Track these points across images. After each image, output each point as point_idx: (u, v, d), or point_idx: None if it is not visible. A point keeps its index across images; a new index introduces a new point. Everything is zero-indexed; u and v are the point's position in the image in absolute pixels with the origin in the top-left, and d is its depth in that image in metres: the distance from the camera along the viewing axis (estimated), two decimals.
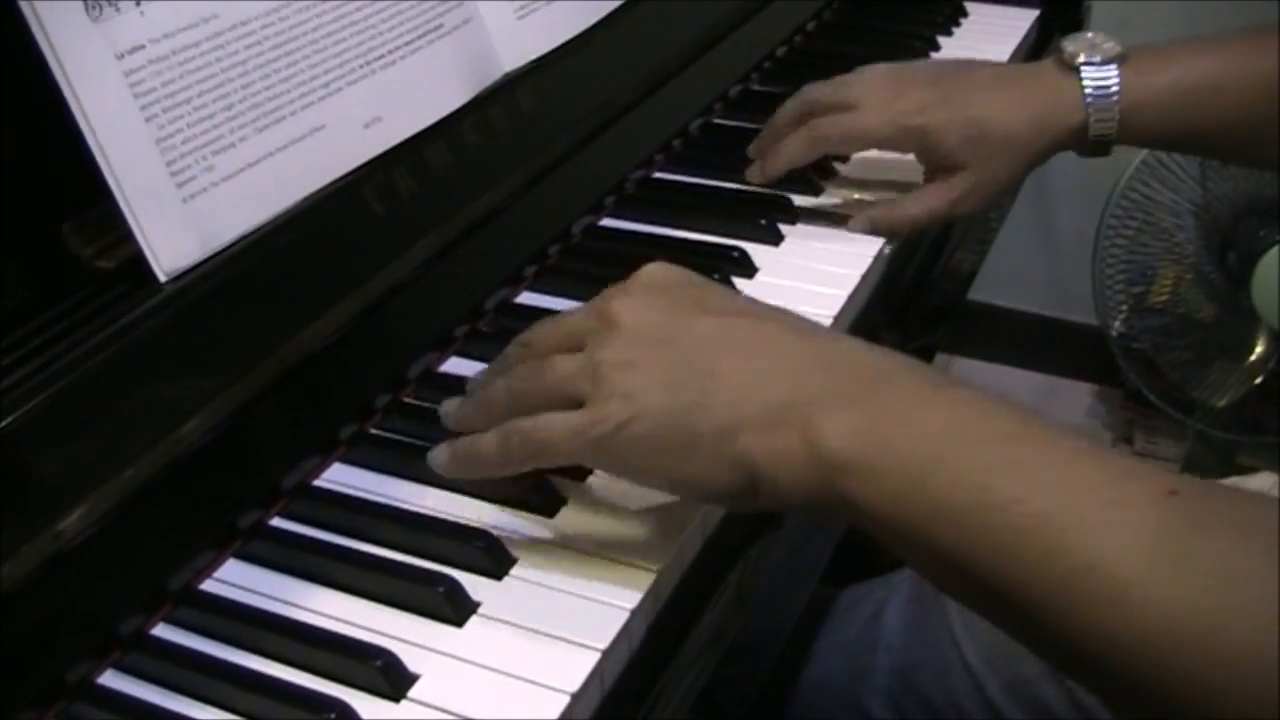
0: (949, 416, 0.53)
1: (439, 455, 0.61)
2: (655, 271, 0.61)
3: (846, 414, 0.53)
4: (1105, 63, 0.83)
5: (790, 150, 0.87)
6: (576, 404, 0.57)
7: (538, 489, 0.63)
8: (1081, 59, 0.83)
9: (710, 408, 0.55)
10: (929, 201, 0.85)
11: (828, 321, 0.77)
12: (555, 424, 0.57)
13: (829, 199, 0.91)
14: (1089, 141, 0.84)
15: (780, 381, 0.55)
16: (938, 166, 0.85)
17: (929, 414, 0.53)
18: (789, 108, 0.89)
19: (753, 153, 0.91)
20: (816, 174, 0.92)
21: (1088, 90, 0.83)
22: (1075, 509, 0.48)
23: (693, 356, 0.56)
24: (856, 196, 0.90)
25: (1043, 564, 0.48)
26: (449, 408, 0.63)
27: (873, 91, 0.85)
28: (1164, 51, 0.85)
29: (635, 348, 0.57)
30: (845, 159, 0.95)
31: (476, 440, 0.60)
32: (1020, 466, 0.50)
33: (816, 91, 0.88)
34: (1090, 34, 0.85)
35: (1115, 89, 0.83)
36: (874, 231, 0.85)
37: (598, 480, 0.64)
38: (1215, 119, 0.84)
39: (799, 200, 0.90)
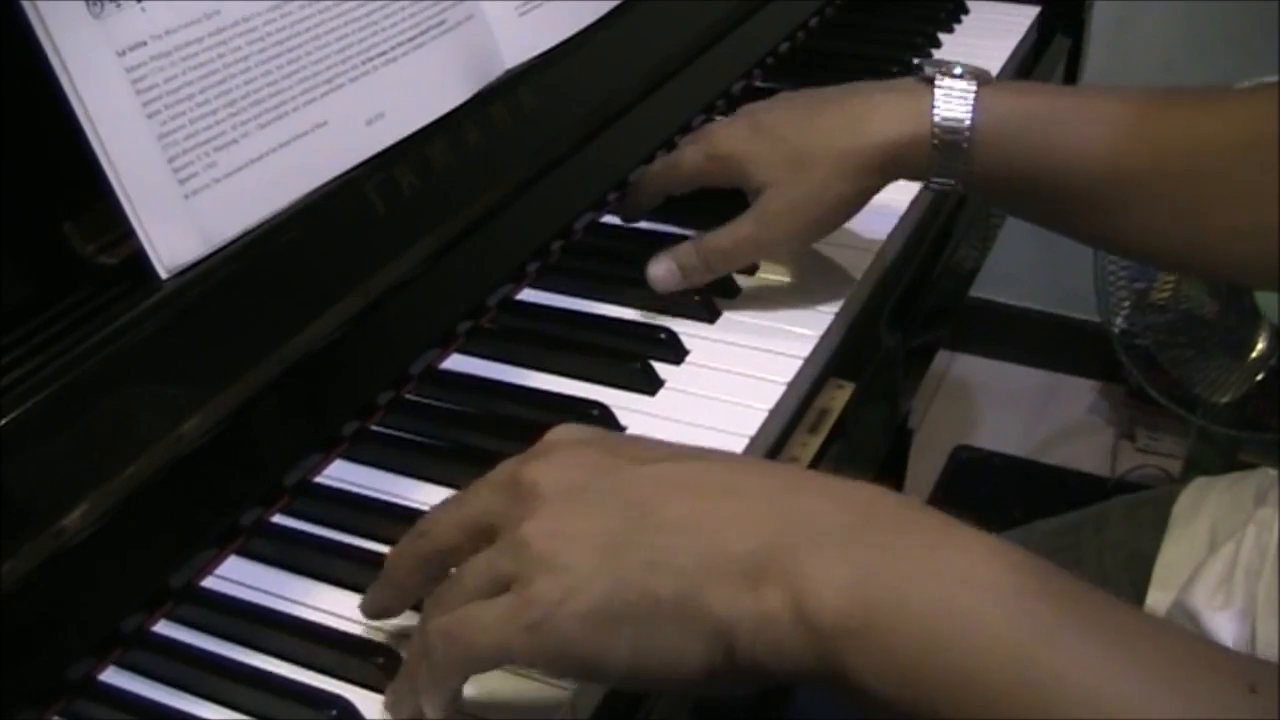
0: (970, 564, 0.43)
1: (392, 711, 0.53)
2: (566, 431, 0.52)
3: (841, 559, 0.44)
4: (965, 78, 0.74)
5: (635, 201, 0.86)
6: (497, 590, 0.48)
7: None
8: (940, 71, 0.74)
9: (666, 566, 0.45)
10: (736, 230, 0.76)
11: (829, 317, 0.77)
12: (476, 618, 0.47)
13: None
14: (931, 165, 0.74)
15: (752, 520, 0.46)
16: (751, 192, 0.77)
17: (945, 560, 0.44)
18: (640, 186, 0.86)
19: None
20: None
21: (937, 105, 0.73)
22: (1146, 704, 0.39)
23: (635, 509, 0.47)
24: None
25: None
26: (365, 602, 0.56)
27: (694, 135, 0.83)
28: (1026, 84, 0.78)
29: (561, 515, 0.47)
30: None
31: (405, 667, 0.52)
32: (1068, 639, 0.41)
33: (686, 141, 0.84)
34: (954, 61, 0.75)
35: (967, 106, 0.73)
36: (683, 271, 0.77)
37: None
38: (1068, 162, 0.72)
39: None
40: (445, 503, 0.53)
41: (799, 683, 0.45)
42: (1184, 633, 0.44)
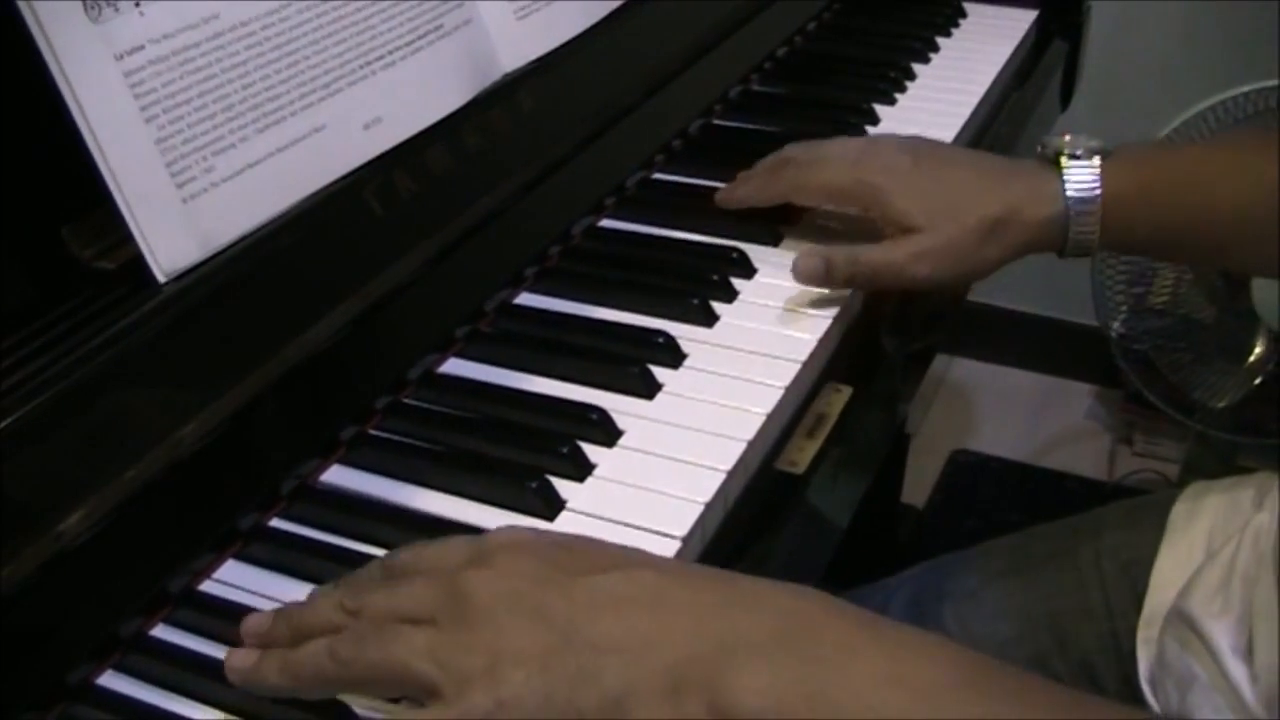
0: (886, 661, 0.46)
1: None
2: (508, 535, 0.53)
3: (762, 669, 0.45)
4: (1087, 157, 0.79)
5: (754, 186, 0.86)
6: (422, 695, 0.49)
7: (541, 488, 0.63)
8: (1064, 153, 0.79)
9: (593, 683, 0.47)
10: (889, 252, 0.79)
11: (827, 321, 0.77)
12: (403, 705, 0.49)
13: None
14: (1068, 242, 0.80)
15: (677, 636, 0.47)
16: (893, 228, 0.80)
17: (861, 659, 0.46)
18: (765, 161, 0.87)
19: (721, 191, 0.88)
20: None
21: (1069, 186, 0.79)
22: None
23: (567, 626, 0.48)
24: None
25: None
26: (234, 660, 0.54)
27: (845, 151, 0.84)
28: (1154, 147, 0.81)
29: (496, 630, 0.48)
30: None
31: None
32: None
33: (794, 149, 0.86)
34: (1070, 134, 0.81)
35: (1097, 185, 0.79)
36: (828, 270, 0.78)
37: (610, 463, 0.64)
38: (1206, 216, 0.79)
39: None
40: (375, 580, 0.54)
41: None
42: (1112, 708, 0.46)
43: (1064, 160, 0.79)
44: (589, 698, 0.46)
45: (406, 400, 0.71)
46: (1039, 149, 0.82)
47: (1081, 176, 0.79)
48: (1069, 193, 0.79)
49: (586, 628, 0.48)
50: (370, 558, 0.60)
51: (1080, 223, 0.79)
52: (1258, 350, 1.66)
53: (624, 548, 0.54)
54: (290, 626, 0.54)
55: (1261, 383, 1.67)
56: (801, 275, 0.79)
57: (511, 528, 0.54)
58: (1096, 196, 0.79)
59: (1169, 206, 0.80)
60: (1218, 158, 0.81)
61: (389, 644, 0.49)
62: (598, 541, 0.54)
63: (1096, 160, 0.79)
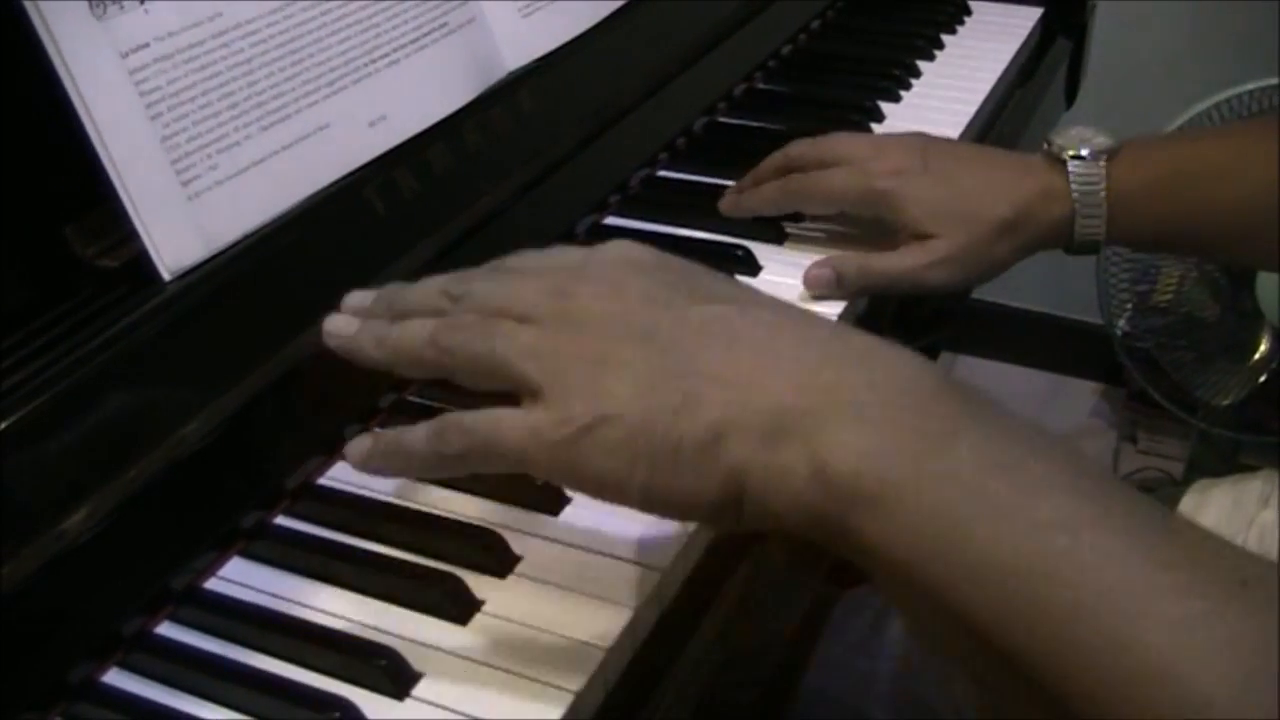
0: (988, 450, 0.44)
1: (357, 448, 0.54)
2: (625, 249, 0.53)
3: (865, 431, 0.45)
4: (1092, 156, 0.80)
5: (763, 196, 0.85)
6: (520, 393, 0.49)
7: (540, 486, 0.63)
8: (1070, 153, 0.80)
9: (695, 410, 0.47)
10: (904, 260, 0.79)
11: (833, 319, 0.77)
12: (505, 421, 0.49)
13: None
14: (1075, 239, 0.81)
15: (783, 382, 0.47)
16: (906, 233, 0.80)
17: (964, 443, 0.44)
18: (772, 160, 0.86)
19: (727, 197, 0.87)
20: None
21: (1074, 185, 0.79)
22: (1144, 592, 0.40)
23: (674, 352, 0.48)
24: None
25: (1101, 655, 0.40)
26: (333, 324, 0.55)
27: (853, 151, 0.83)
28: (1159, 139, 0.82)
29: (604, 341, 0.49)
30: None
31: (404, 434, 0.52)
32: (1077, 527, 0.42)
33: (799, 147, 0.85)
34: (1078, 127, 0.82)
35: (1102, 183, 0.79)
36: (839, 280, 0.78)
37: None
38: (1213, 209, 0.80)
39: None
40: (485, 272, 0.54)
41: (806, 534, 0.47)
42: (1191, 526, 0.45)
43: (1070, 159, 0.80)
44: (688, 424, 0.46)
45: (411, 398, 0.71)
46: (1045, 145, 0.82)
47: (1088, 175, 0.79)
48: (1075, 192, 0.79)
49: (695, 355, 0.48)
50: (375, 555, 0.60)
51: (1087, 221, 0.80)
52: (1261, 348, 1.67)
53: (739, 283, 0.53)
54: (390, 304, 0.54)
55: (1265, 381, 1.67)
56: (812, 285, 0.79)
57: (628, 243, 0.53)
58: (1102, 196, 0.79)
59: (1174, 201, 0.80)
60: (1222, 150, 0.81)
61: (492, 337, 0.49)
62: (713, 271, 0.53)
63: (1103, 159, 0.79)
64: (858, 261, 0.79)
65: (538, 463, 0.49)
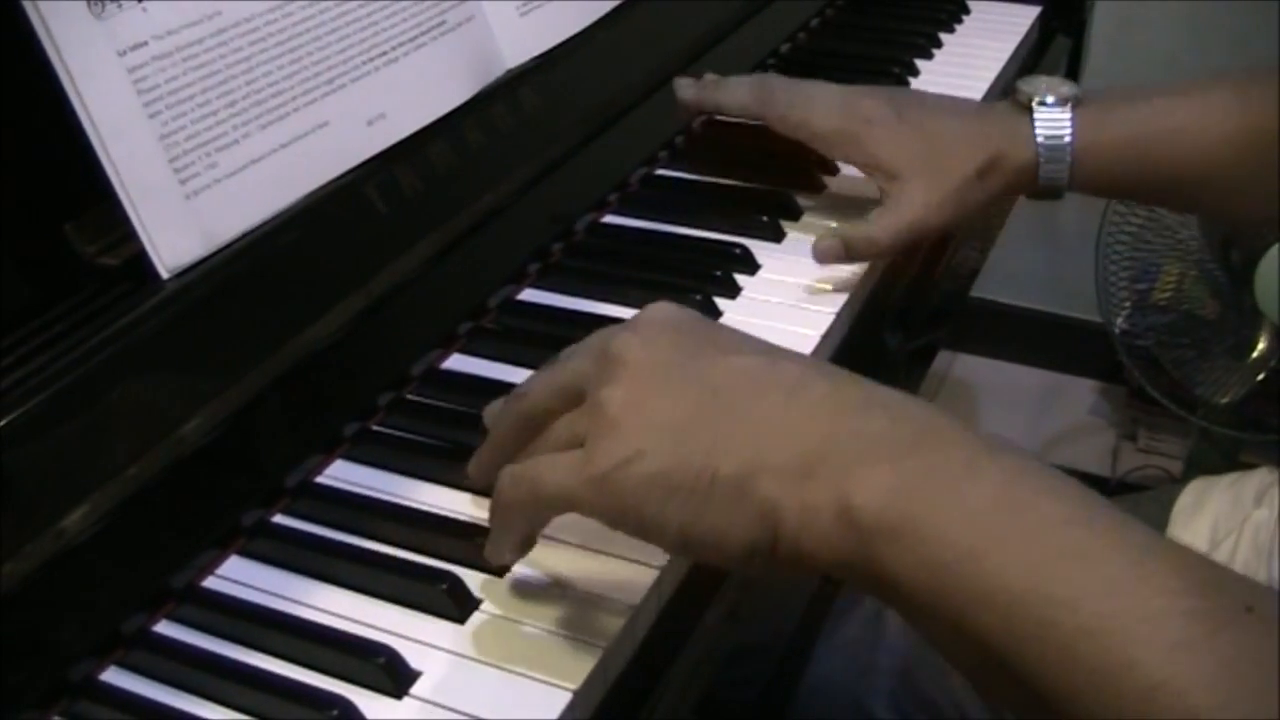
0: (1004, 487, 0.47)
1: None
2: (662, 309, 0.56)
3: (886, 471, 0.47)
4: (1058, 104, 0.81)
5: (734, 91, 0.86)
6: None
7: None
8: (1035, 100, 0.81)
9: (727, 450, 0.49)
10: (902, 214, 0.81)
11: (830, 317, 0.77)
12: (546, 463, 0.53)
13: (832, 197, 0.91)
14: (1039, 185, 0.82)
15: (811, 427, 0.49)
16: (880, 176, 0.82)
17: (981, 481, 0.47)
18: (747, 78, 0.88)
19: (686, 85, 0.89)
20: (816, 168, 0.92)
21: (1039, 132, 0.81)
22: (1148, 617, 0.42)
23: (708, 397, 0.51)
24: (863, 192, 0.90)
25: (1105, 676, 0.42)
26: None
27: (828, 97, 0.84)
28: (1123, 96, 0.83)
29: (641, 387, 0.51)
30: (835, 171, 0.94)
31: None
32: (1086, 557, 0.44)
33: (775, 79, 0.88)
34: (1045, 77, 0.83)
35: (1068, 132, 0.80)
36: (846, 248, 0.80)
37: None
38: (1174, 166, 0.81)
39: (801, 199, 0.90)
40: (543, 368, 0.58)
41: (838, 574, 0.49)
42: (1200, 558, 0.46)
43: (1036, 106, 0.81)
44: (720, 461, 0.49)
45: (409, 396, 0.71)
46: (1013, 93, 0.83)
47: (1053, 122, 0.81)
48: (1039, 138, 0.81)
49: (728, 399, 0.50)
50: (374, 553, 0.60)
51: (1050, 167, 0.81)
52: (1261, 346, 1.66)
53: (768, 342, 0.56)
54: (488, 447, 0.59)
55: (1265, 379, 1.67)
56: (820, 256, 0.81)
57: (665, 304, 0.56)
58: (1067, 144, 0.80)
59: (1139, 152, 0.82)
60: (1188, 104, 0.82)
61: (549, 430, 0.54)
62: (742, 331, 0.57)
63: (1068, 106, 0.81)
64: (862, 229, 0.81)
65: (582, 499, 0.52)
